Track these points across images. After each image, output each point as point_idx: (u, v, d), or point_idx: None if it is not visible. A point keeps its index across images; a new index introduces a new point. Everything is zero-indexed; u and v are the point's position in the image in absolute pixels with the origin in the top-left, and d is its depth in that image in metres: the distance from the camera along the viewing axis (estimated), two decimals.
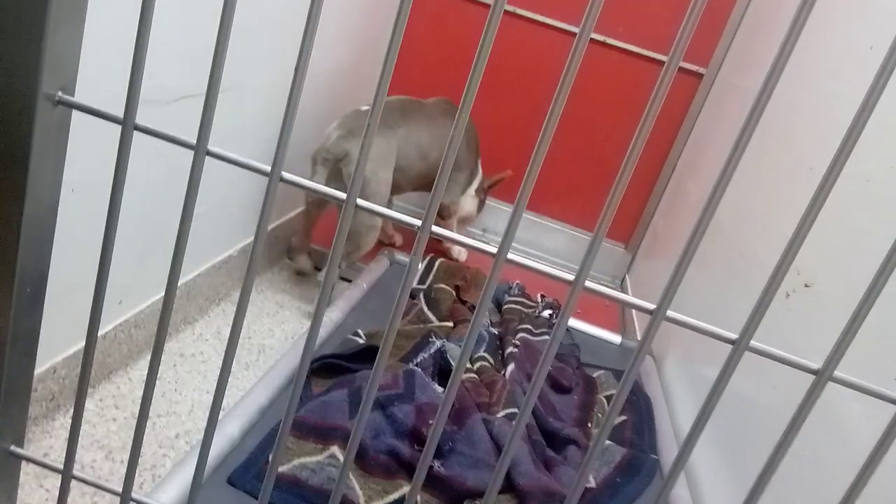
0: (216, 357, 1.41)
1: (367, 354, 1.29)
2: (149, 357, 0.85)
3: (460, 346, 0.97)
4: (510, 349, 1.44)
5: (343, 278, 1.86)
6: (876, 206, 0.92)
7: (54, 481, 1.01)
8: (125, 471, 1.01)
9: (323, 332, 1.39)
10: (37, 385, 1.05)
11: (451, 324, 1.52)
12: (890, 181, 0.90)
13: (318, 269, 1.86)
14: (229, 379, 1.30)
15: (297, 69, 0.39)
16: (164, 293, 0.56)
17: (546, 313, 1.75)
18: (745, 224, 1.39)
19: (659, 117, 2.18)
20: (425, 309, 1.58)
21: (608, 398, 1.44)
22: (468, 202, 2.05)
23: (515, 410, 1.21)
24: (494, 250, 0.40)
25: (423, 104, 1.84)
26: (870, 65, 1.07)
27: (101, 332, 1.19)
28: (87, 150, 0.97)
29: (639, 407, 1.41)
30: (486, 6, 2.24)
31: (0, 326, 0.46)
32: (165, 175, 1.21)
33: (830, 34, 1.28)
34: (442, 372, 1.31)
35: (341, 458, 0.99)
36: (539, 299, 1.83)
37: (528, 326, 1.60)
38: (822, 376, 0.38)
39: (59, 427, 1.10)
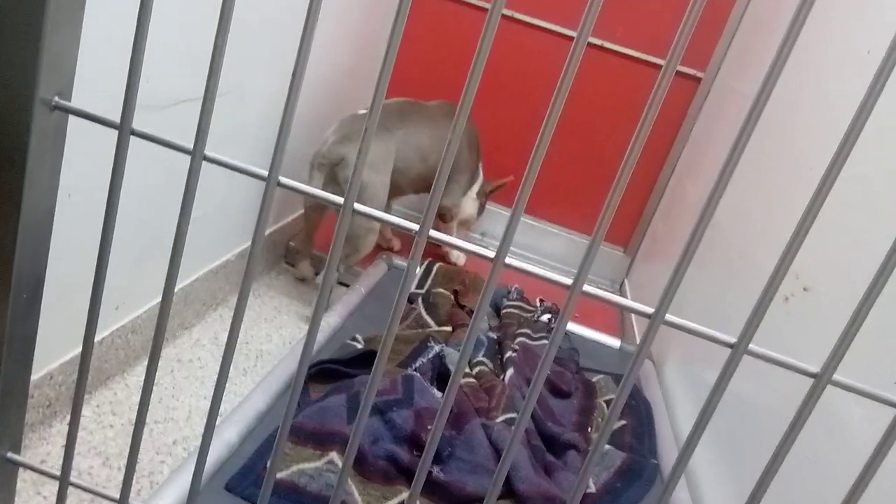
0: (213, 362, 1.41)
1: (365, 359, 1.28)
2: (146, 363, 0.84)
3: (459, 351, 0.97)
4: (509, 353, 1.44)
5: (341, 283, 1.85)
6: (874, 209, 0.92)
7: (52, 488, 1.01)
8: (122, 477, 1.01)
9: (321, 337, 1.38)
10: (33, 391, 1.04)
11: (449, 328, 1.51)
12: (888, 184, 0.90)
13: (318, 275, 1.86)
14: (227, 384, 1.29)
15: (294, 73, 0.39)
16: (161, 298, 0.56)
17: (545, 317, 1.75)
18: (744, 227, 1.39)
19: (657, 121, 2.18)
20: (424, 313, 1.57)
21: (608, 402, 1.44)
22: (469, 205, 2.04)
23: (515, 415, 1.21)
24: (492, 254, 0.40)
25: (423, 106, 1.84)
26: (867, 67, 1.08)
27: (97, 338, 1.19)
28: (83, 155, 0.96)
29: (638, 411, 1.41)
30: (484, 10, 2.25)
31: None
32: (162, 179, 1.20)
33: (828, 37, 1.28)
34: (441, 377, 1.30)
35: (340, 464, 0.99)
36: (538, 304, 1.83)
37: (527, 331, 1.60)
38: (821, 380, 0.38)
39: (55, 433, 1.10)
